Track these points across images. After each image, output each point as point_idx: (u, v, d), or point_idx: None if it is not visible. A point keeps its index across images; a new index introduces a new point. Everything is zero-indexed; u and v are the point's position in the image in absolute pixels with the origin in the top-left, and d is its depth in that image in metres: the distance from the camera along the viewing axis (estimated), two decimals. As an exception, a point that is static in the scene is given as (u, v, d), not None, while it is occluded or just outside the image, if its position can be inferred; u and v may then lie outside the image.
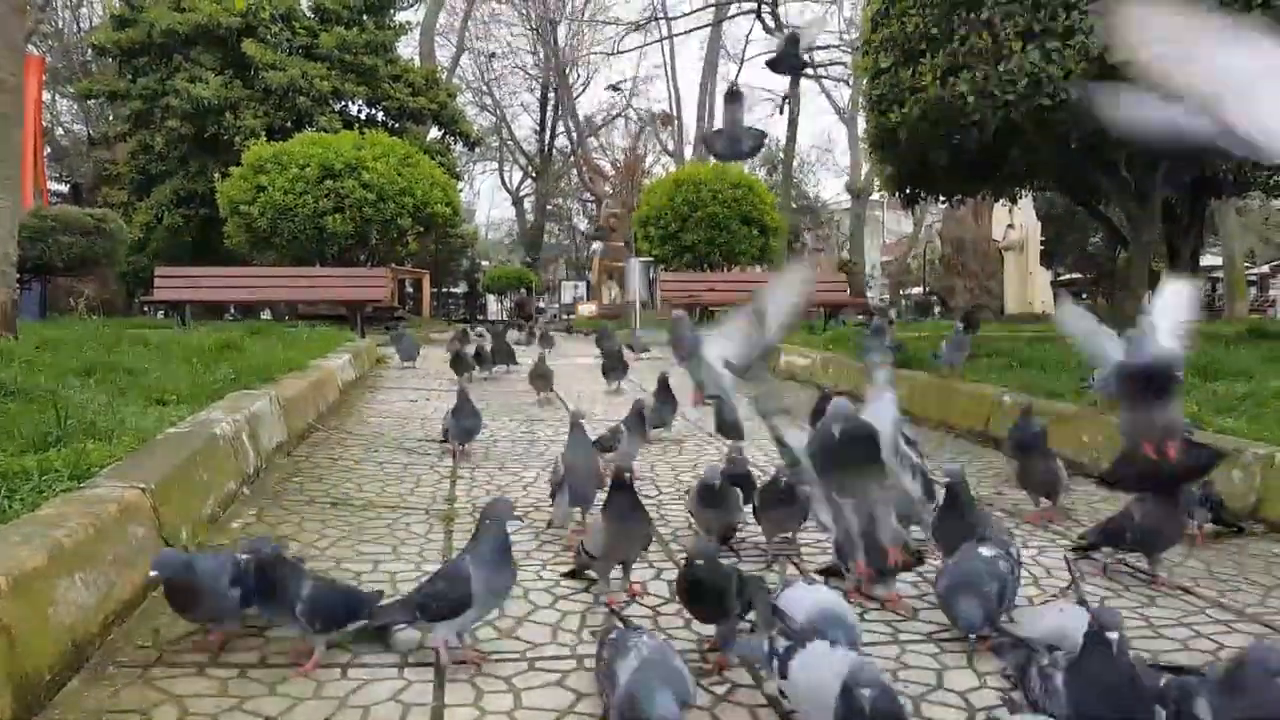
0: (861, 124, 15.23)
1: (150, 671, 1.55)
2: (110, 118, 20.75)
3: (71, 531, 1.62)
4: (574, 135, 29.86)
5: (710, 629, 1.69)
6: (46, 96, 20.58)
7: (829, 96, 27.34)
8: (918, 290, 26.92)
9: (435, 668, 1.60)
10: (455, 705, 1.47)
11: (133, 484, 1.97)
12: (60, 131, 24.85)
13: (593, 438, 2.69)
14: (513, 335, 7.71)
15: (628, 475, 1.93)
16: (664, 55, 43.45)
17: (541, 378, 5.01)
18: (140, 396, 3.11)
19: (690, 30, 29.48)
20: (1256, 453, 2.63)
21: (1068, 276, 22.99)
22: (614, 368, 5.37)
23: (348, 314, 10.73)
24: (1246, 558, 2.29)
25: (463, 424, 3.38)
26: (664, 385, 3.87)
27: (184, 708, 1.44)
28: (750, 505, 2.33)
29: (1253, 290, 21.10)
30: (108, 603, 1.67)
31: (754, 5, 23.79)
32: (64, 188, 22.11)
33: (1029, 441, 2.70)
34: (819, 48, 25.92)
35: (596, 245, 25.12)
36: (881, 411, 1.94)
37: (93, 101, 20.20)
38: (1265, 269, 24.09)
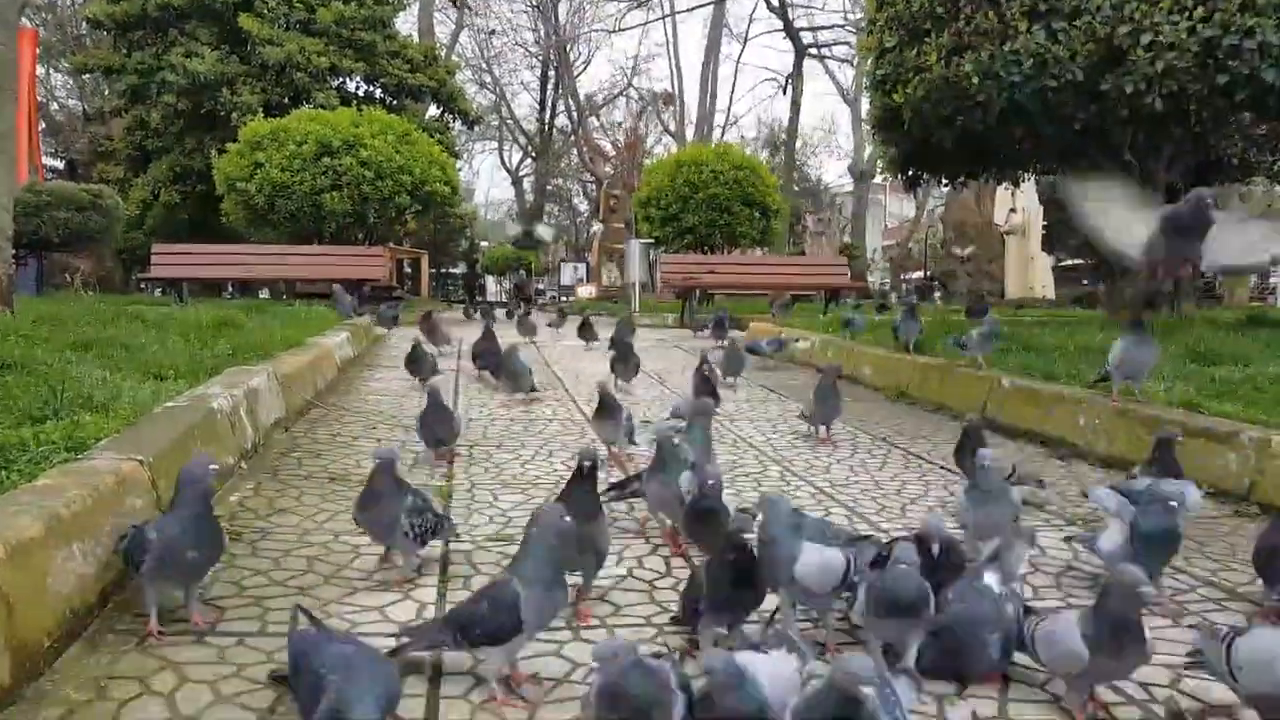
0: (865, 105, 15.13)
1: (148, 639, 1.56)
2: (105, 92, 20.56)
3: (69, 502, 1.62)
4: (574, 114, 29.62)
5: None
6: (41, 71, 20.42)
7: (833, 77, 27.19)
8: (918, 274, 26.86)
9: (431, 665, 1.59)
10: (450, 697, 1.46)
11: (130, 456, 1.97)
12: (55, 106, 24.65)
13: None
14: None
15: (587, 464, 1.72)
16: (666, 33, 42.90)
17: (517, 376, 4.23)
18: (138, 371, 3.11)
19: (693, 8, 29.28)
20: (1252, 435, 2.63)
21: (1069, 262, 22.90)
22: (624, 362, 4.68)
23: (346, 292, 10.70)
24: (1239, 538, 2.31)
25: (434, 431, 2.93)
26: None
27: (182, 675, 1.45)
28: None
29: (1253, 278, 21.03)
30: (106, 573, 1.67)
31: (757, -16, 23.50)
32: (59, 163, 21.98)
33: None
34: (823, 27, 25.69)
35: (597, 226, 25.01)
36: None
37: (87, 76, 19.99)
38: (1266, 256, 23.96)
